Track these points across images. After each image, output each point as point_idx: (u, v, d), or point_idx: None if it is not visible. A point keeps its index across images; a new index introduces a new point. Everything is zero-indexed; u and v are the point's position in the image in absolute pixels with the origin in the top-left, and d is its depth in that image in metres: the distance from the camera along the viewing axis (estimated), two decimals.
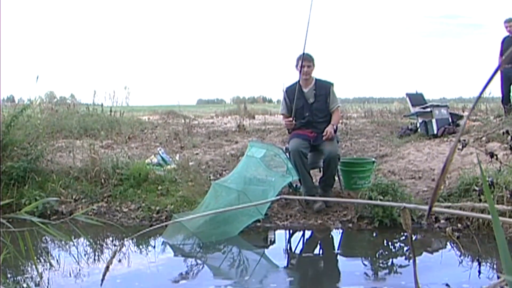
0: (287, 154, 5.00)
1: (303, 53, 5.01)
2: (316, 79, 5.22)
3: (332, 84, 5.23)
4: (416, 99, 9.48)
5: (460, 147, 2.32)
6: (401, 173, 6.16)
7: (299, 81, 5.10)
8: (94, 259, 4.22)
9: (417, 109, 8.88)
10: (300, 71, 5.07)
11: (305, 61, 5.08)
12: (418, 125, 8.82)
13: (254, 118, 14.65)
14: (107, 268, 1.03)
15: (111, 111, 12.33)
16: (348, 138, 9.03)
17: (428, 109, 8.55)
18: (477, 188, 4.47)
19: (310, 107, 5.16)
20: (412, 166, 6.42)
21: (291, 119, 5.12)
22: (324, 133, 4.94)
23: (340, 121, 8.77)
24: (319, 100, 5.13)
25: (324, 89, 5.16)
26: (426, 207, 0.72)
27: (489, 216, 0.73)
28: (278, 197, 1.91)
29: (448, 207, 1.15)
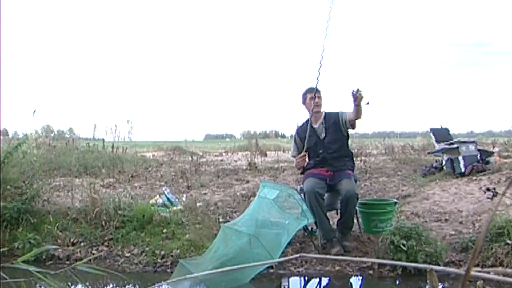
0: (302, 195, 5.02)
1: (315, 88, 5.13)
2: (325, 113, 5.32)
3: (339, 113, 5.31)
4: (441, 134, 9.51)
5: (491, 196, 2.32)
6: (425, 215, 6.14)
7: (310, 118, 5.21)
8: None
9: (442, 145, 8.89)
10: (311, 104, 5.20)
11: (314, 93, 5.21)
12: (443, 162, 8.81)
13: (266, 155, 14.76)
14: None
15: (113, 147, 12.51)
16: (367, 177, 9.04)
17: (455, 145, 8.56)
18: (509, 242, 4.44)
19: (322, 143, 5.23)
20: (438, 208, 6.39)
21: (303, 154, 5.21)
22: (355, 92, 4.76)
23: (358, 158, 8.79)
24: (330, 131, 5.21)
25: (332, 118, 5.25)
26: (458, 271, 0.66)
27: None
28: (297, 255, 1.94)
29: (488, 272, 1.11)
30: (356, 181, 5.30)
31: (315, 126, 5.28)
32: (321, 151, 5.22)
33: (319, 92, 5.21)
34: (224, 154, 16.44)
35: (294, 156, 5.45)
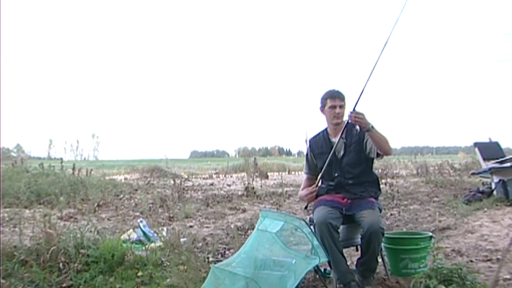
0: (312, 227, 5.01)
1: (338, 92, 5.13)
2: (347, 123, 5.14)
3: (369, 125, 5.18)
4: (490, 150, 9.45)
5: None
6: (470, 253, 6.11)
7: (327, 129, 5.24)
8: None
9: (491, 163, 8.85)
10: (331, 114, 5.19)
11: (337, 100, 5.16)
12: (493, 186, 8.77)
13: (267, 177, 14.77)
14: None
15: (74, 168, 12.46)
16: (394, 204, 9.04)
17: (508, 164, 8.51)
18: None
19: (339, 163, 5.22)
20: (486, 244, 6.36)
21: (313, 188, 5.23)
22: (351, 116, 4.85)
23: (383, 180, 8.84)
24: (351, 150, 5.18)
25: (356, 134, 5.17)
26: None
27: None
28: None
29: None
30: (380, 211, 5.28)
31: (334, 140, 5.26)
32: (336, 174, 5.21)
33: (342, 98, 5.18)
34: (214, 176, 16.47)
35: (308, 174, 5.50)
